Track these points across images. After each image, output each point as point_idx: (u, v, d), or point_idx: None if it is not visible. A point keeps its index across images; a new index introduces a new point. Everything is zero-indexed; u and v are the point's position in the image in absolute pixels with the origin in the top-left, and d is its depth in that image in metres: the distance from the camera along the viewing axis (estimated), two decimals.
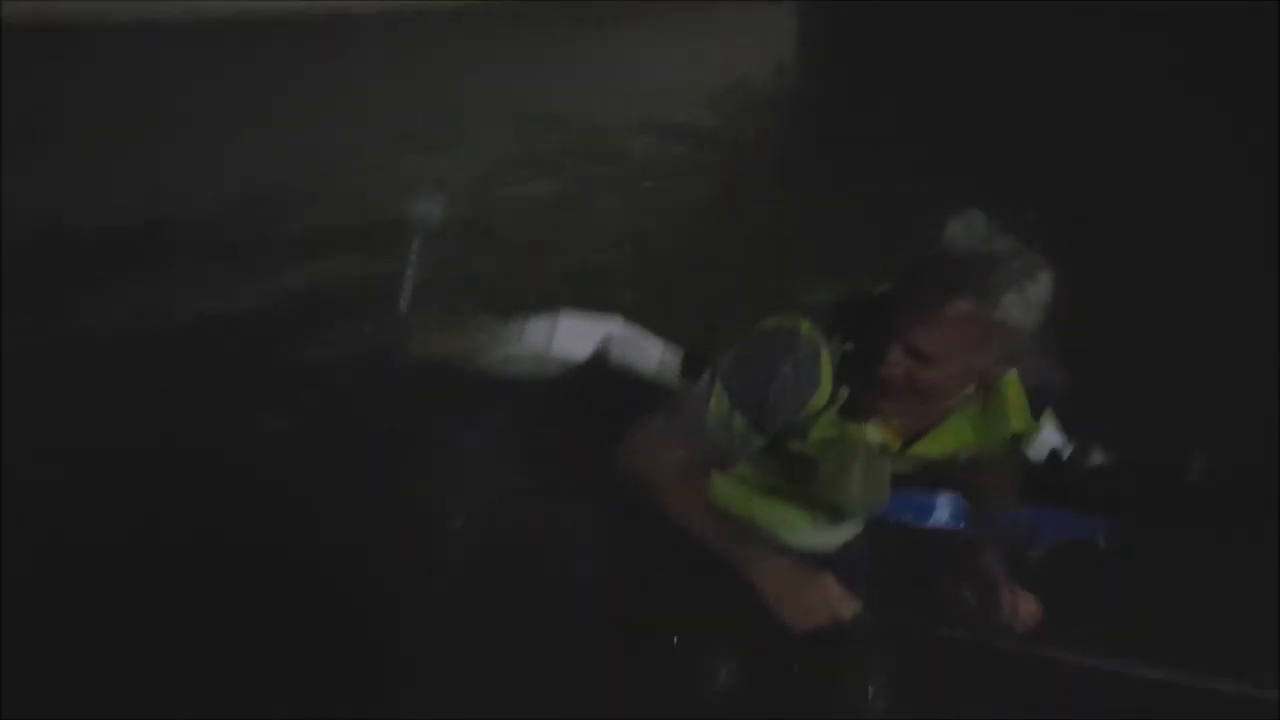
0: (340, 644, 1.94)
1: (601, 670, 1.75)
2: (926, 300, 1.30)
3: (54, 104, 3.74)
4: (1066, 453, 2.01)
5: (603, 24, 5.25)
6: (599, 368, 2.19)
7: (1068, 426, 2.04)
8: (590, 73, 4.94)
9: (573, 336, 2.22)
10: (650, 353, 2.21)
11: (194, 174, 3.64)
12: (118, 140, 3.75)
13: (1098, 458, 2.02)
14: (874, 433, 1.48)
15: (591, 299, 2.40)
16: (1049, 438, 2.02)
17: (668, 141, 4.36)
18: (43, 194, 3.34)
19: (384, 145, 3.96)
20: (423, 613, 2.01)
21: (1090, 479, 1.96)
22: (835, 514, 1.66)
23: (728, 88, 5.04)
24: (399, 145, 3.95)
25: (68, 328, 2.73)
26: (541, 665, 1.83)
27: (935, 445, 1.51)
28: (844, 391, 1.43)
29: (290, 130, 4.04)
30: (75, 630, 1.90)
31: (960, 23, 5.66)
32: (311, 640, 1.94)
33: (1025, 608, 1.53)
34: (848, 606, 1.41)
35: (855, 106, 4.84)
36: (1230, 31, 6.38)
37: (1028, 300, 1.31)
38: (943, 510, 1.98)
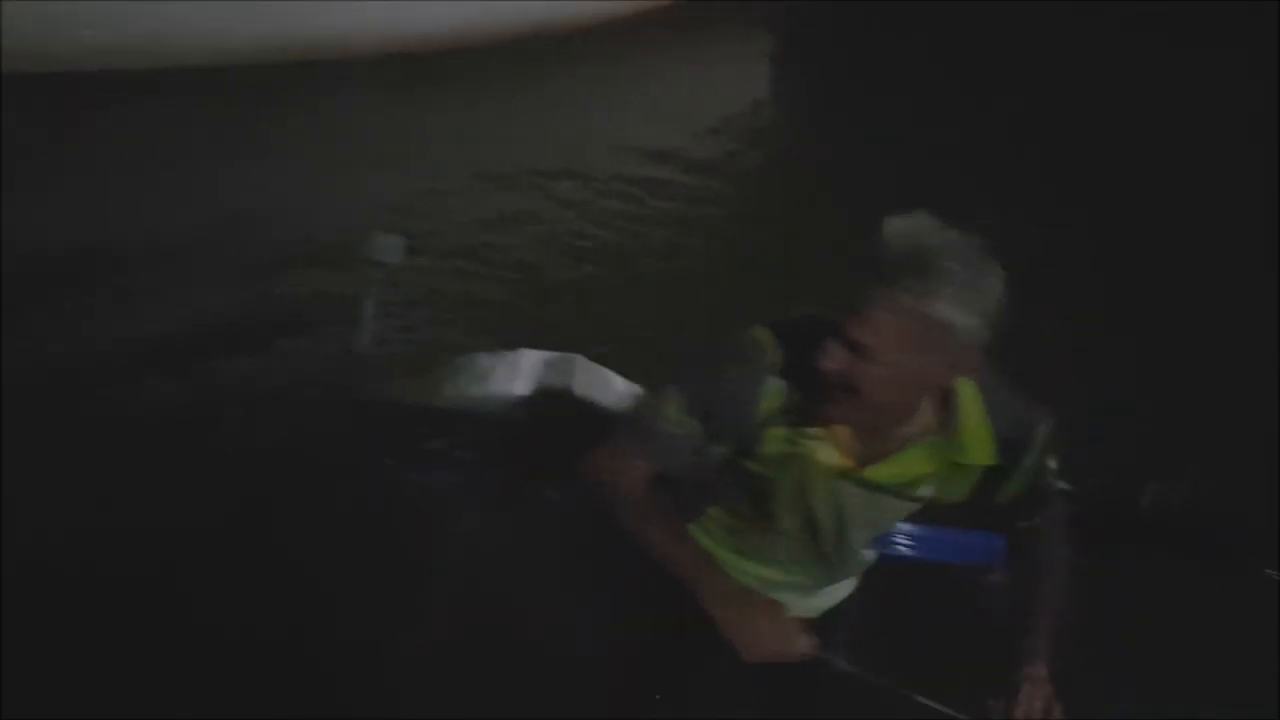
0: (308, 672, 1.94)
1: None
2: (863, 292, 1.28)
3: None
4: None
5: (576, 61, 5.30)
6: (560, 404, 2.20)
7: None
8: (565, 108, 4.97)
9: (534, 373, 2.22)
10: (612, 387, 2.22)
11: (155, 203, 3.64)
12: (89, 169, 3.74)
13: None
14: (827, 453, 1.44)
15: (557, 334, 2.42)
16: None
17: (646, 175, 4.37)
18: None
19: (353, 183, 3.97)
20: (393, 649, 2.01)
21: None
22: (818, 569, 1.60)
23: (705, 118, 5.08)
24: (366, 182, 3.97)
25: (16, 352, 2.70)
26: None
27: (892, 470, 1.46)
28: (792, 396, 1.41)
29: (261, 168, 4.05)
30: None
31: (937, 59, 5.73)
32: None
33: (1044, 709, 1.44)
34: (800, 642, 1.40)
35: (834, 137, 4.88)
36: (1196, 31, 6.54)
37: (970, 299, 1.28)
38: (977, 547, 1.95)
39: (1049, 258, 3.91)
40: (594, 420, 2.18)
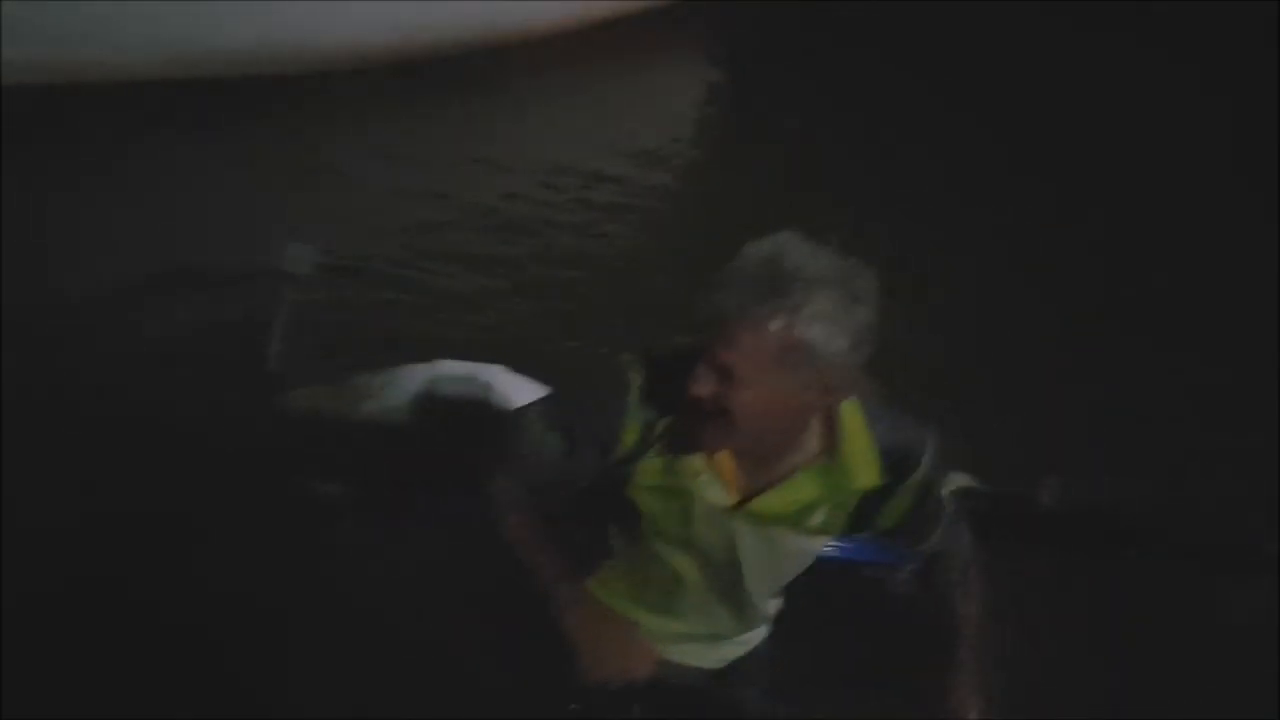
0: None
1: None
2: (728, 314, 1.27)
3: None
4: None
5: (508, 80, 5.28)
6: (477, 414, 2.19)
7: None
8: (497, 125, 4.96)
9: (451, 384, 2.21)
10: (530, 398, 2.21)
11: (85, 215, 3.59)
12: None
13: (958, 481, 2.11)
14: (711, 486, 1.41)
15: (476, 345, 2.41)
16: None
17: (567, 191, 4.37)
18: None
19: (271, 199, 3.92)
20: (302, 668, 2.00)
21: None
22: (721, 620, 1.57)
23: (637, 140, 5.09)
24: (284, 197, 3.93)
25: None
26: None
27: (777, 501, 1.42)
28: (662, 422, 1.39)
29: (183, 183, 3.99)
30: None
31: (873, 86, 5.77)
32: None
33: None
34: (644, 665, 1.39)
35: (766, 159, 4.93)
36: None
37: (835, 319, 1.25)
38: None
39: (949, 256, 4.07)
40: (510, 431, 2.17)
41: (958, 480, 2.09)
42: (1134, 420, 3.06)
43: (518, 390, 2.22)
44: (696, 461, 1.41)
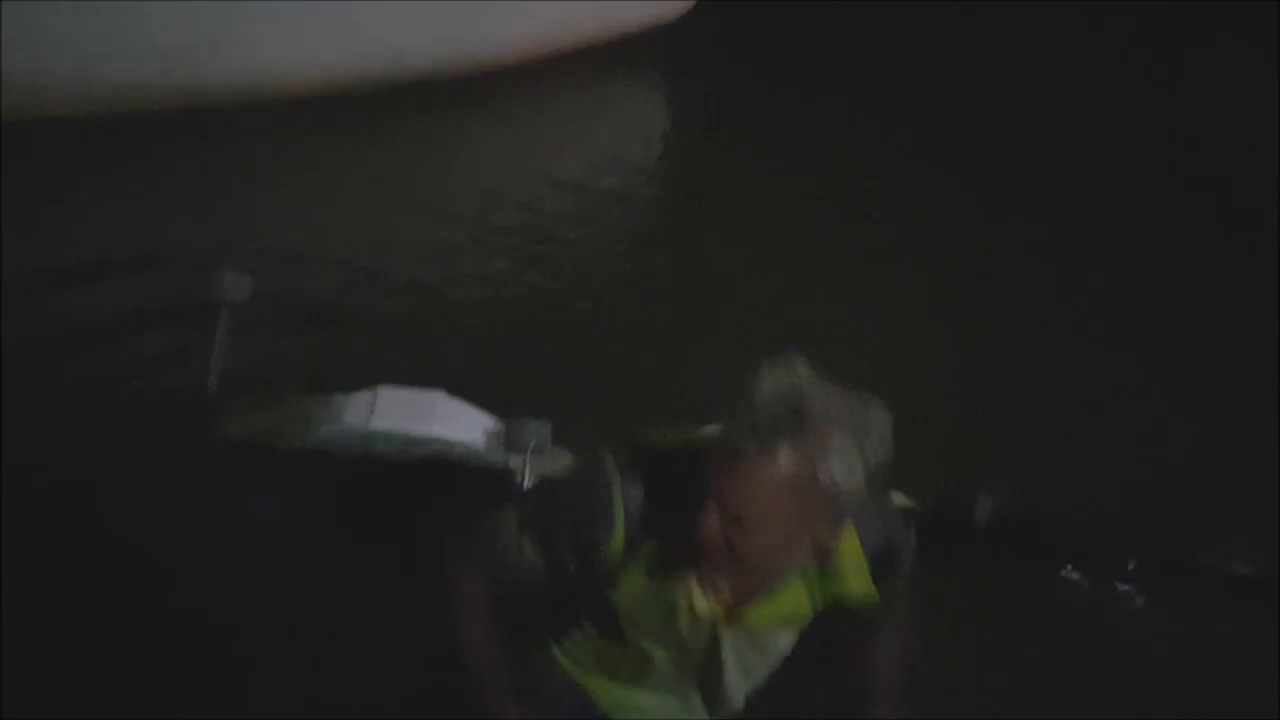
0: None
1: None
2: (740, 457, 1.18)
3: None
4: None
5: (463, 104, 5.26)
6: (421, 441, 2.18)
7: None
8: (444, 151, 4.94)
9: (393, 411, 2.20)
10: (474, 424, 2.22)
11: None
12: None
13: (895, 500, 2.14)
14: (697, 597, 1.33)
15: (416, 372, 2.41)
16: None
17: (509, 216, 4.37)
18: None
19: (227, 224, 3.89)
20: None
21: None
22: (693, 698, 1.50)
23: (589, 163, 5.10)
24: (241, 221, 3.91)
25: None
26: None
27: (768, 611, 1.37)
28: (648, 545, 1.31)
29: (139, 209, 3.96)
30: None
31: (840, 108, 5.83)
32: None
33: None
34: None
35: (726, 184, 4.96)
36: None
37: (854, 458, 1.19)
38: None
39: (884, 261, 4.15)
40: (453, 459, 2.18)
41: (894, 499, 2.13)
42: (1068, 435, 3.12)
43: (459, 416, 2.23)
44: (684, 578, 1.35)
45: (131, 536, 2.32)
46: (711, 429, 1.34)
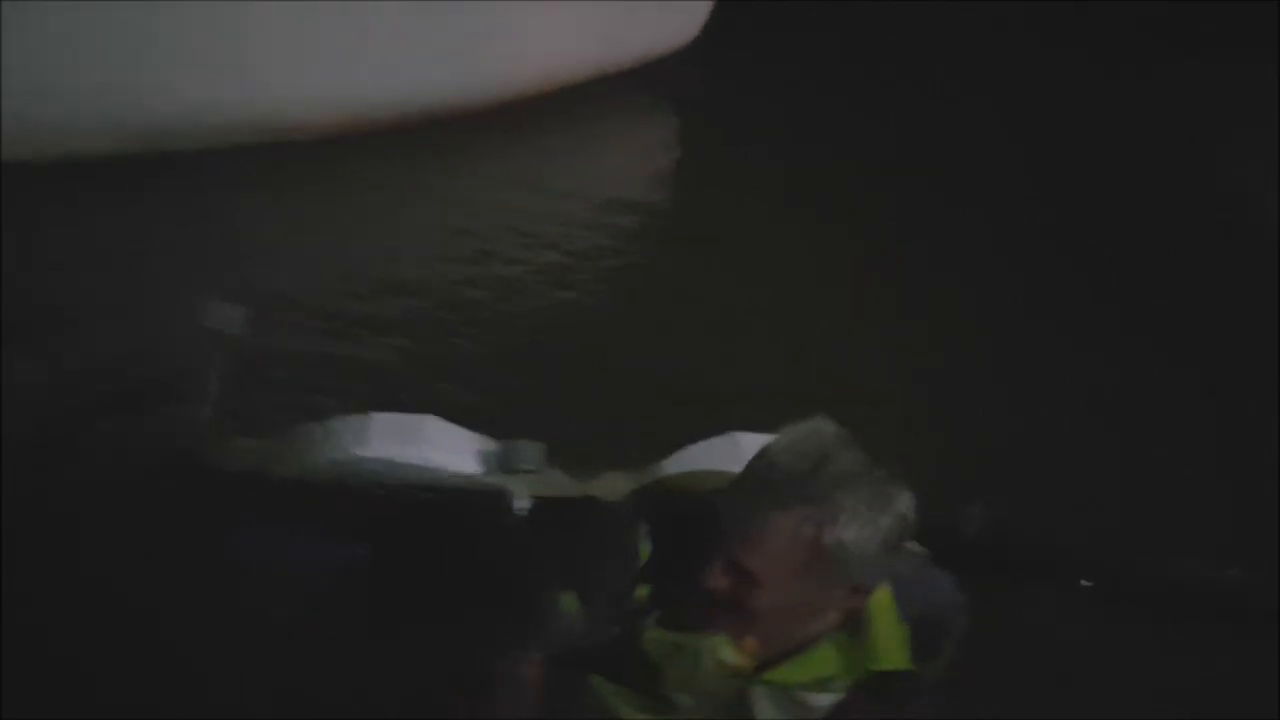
0: None
1: None
2: (750, 513, 1.19)
3: None
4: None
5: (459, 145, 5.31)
6: (413, 466, 2.18)
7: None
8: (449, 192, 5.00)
9: (386, 436, 2.20)
10: (467, 446, 2.22)
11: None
12: None
13: None
14: (724, 648, 1.30)
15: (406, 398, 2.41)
16: None
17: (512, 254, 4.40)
18: None
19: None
20: None
21: None
22: None
23: (592, 202, 5.15)
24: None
25: None
26: None
27: (797, 672, 1.33)
28: (667, 598, 1.31)
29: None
30: None
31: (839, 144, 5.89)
32: None
33: None
34: None
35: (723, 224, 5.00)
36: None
37: (869, 523, 1.18)
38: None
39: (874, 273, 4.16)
40: (446, 481, 2.18)
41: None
42: (1059, 448, 3.13)
43: (451, 438, 2.23)
44: (710, 636, 1.32)
45: (124, 571, 2.31)
46: (724, 477, 1.32)
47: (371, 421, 2.19)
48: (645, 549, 1.33)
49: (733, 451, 1.78)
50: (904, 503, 1.22)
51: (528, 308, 3.96)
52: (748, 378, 3.34)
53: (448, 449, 2.18)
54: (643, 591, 1.33)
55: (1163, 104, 6.70)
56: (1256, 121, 6.31)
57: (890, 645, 1.33)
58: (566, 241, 4.58)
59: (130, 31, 4.25)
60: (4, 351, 3.07)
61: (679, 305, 3.99)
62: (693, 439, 1.94)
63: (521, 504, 2.10)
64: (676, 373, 3.40)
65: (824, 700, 1.40)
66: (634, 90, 6.28)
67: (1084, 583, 2.16)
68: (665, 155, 6.09)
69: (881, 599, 1.33)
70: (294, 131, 4.75)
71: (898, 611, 1.34)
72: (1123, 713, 2.14)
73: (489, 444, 2.22)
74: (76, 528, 2.40)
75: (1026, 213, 5.05)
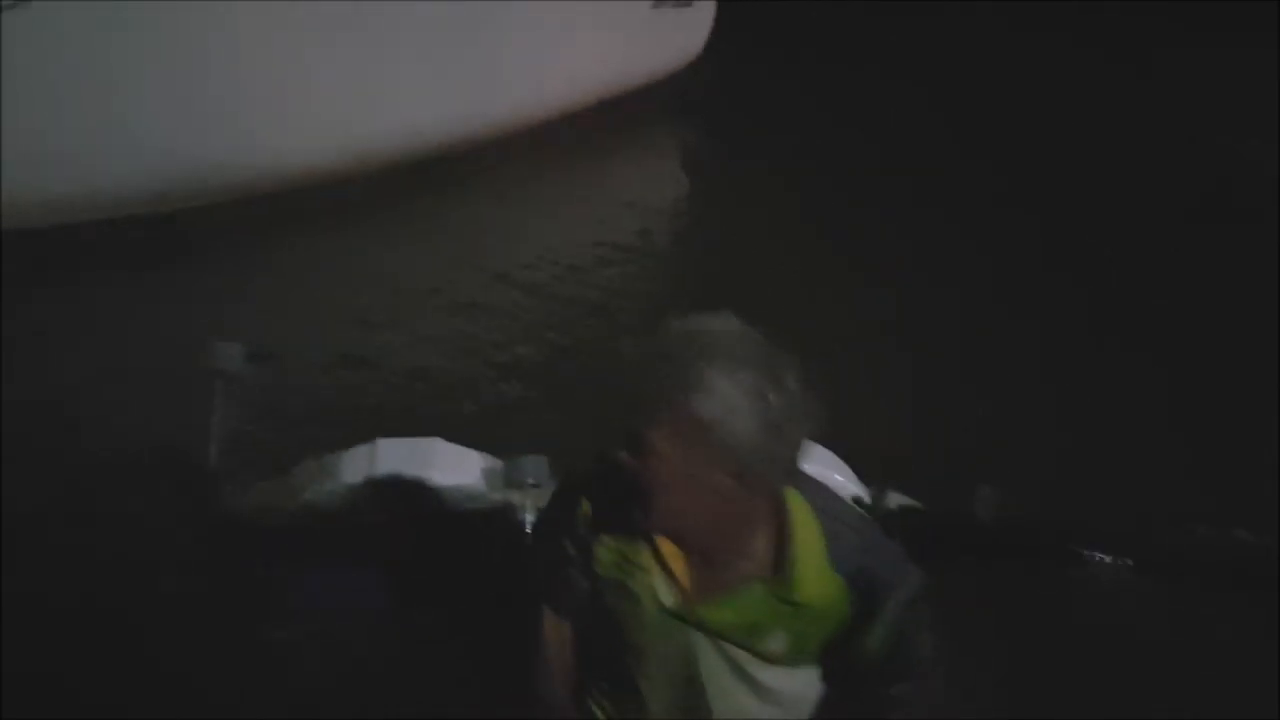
0: None
1: None
2: (644, 392, 1.28)
3: None
4: (867, 498, 2.12)
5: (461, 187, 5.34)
6: (422, 488, 2.19)
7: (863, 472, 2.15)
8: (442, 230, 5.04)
9: (393, 461, 2.21)
10: (472, 464, 2.23)
11: None
12: None
13: (896, 500, 2.14)
14: (658, 583, 1.40)
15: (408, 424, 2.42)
16: (845, 486, 2.11)
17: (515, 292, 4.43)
18: None
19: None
20: None
21: (890, 522, 2.05)
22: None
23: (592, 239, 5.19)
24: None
25: None
26: None
27: (728, 611, 1.39)
28: (605, 504, 1.42)
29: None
30: None
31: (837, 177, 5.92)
32: None
33: None
34: None
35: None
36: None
37: (738, 400, 1.24)
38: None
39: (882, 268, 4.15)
40: (455, 502, 2.19)
41: (894, 499, 2.12)
42: (1069, 431, 3.13)
43: (457, 461, 2.24)
44: (645, 556, 1.41)
45: (134, 612, 2.32)
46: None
47: (378, 446, 2.21)
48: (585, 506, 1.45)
49: None
50: (791, 382, 1.27)
51: (536, 327, 3.99)
52: None
53: (454, 467, 2.20)
54: (585, 508, 1.45)
55: (1163, 90, 6.75)
56: (1257, 106, 6.37)
57: (812, 580, 1.36)
58: (571, 259, 4.61)
59: (124, 91, 4.30)
60: (10, 399, 3.08)
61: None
62: None
63: (529, 518, 2.11)
64: None
65: (782, 681, 1.43)
66: (638, 110, 6.36)
67: (1100, 557, 2.15)
68: (670, 175, 6.15)
69: (807, 539, 1.36)
70: (299, 180, 4.81)
71: (830, 561, 1.36)
72: (1145, 689, 2.11)
73: (494, 462, 2.23)
74: (85, 568, 2.41)
75: (1034, 206, 5.09)
